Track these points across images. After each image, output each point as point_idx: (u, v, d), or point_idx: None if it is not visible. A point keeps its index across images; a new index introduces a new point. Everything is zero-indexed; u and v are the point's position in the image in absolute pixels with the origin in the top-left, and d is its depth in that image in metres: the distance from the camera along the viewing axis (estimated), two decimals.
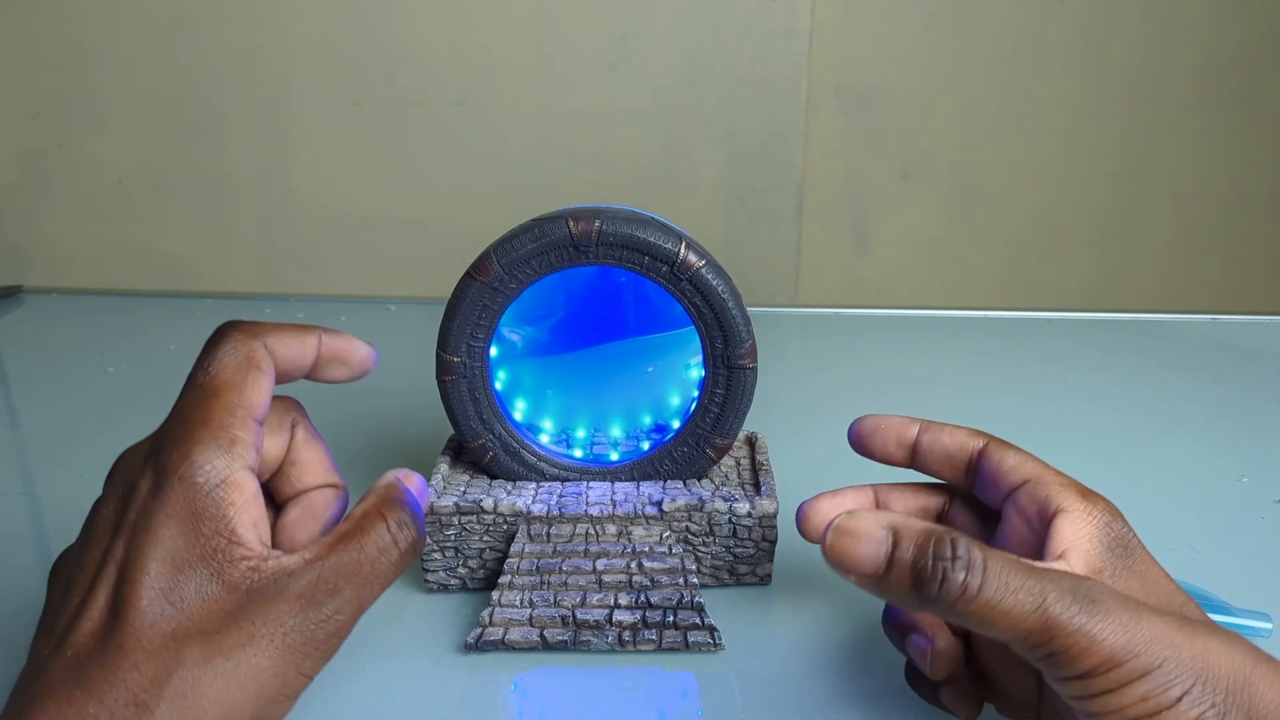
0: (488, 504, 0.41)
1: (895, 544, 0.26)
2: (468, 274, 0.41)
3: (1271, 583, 0.44)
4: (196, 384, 0.30)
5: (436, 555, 0.42)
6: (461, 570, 0.42)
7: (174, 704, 0.26)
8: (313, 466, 0.34)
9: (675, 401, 0.46)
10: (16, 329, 0.79)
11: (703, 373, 0.42)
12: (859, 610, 0.41)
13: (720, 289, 0.41)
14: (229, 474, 0.28)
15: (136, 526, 0.28)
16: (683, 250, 0.40)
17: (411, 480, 0.33)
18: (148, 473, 0.29)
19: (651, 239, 0.40)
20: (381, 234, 1.10)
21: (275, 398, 0.32)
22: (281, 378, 0.32)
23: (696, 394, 0.43)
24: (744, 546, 0.42)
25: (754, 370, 0.42)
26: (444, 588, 0.42)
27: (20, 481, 0.54)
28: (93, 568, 0.28)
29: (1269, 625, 0.40)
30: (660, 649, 0.38)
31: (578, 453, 0.45)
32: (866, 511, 0.27)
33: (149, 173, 1.06)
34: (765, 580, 0.42)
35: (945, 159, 1.16)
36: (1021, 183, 1.18)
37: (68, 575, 0.29)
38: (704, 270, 0.40)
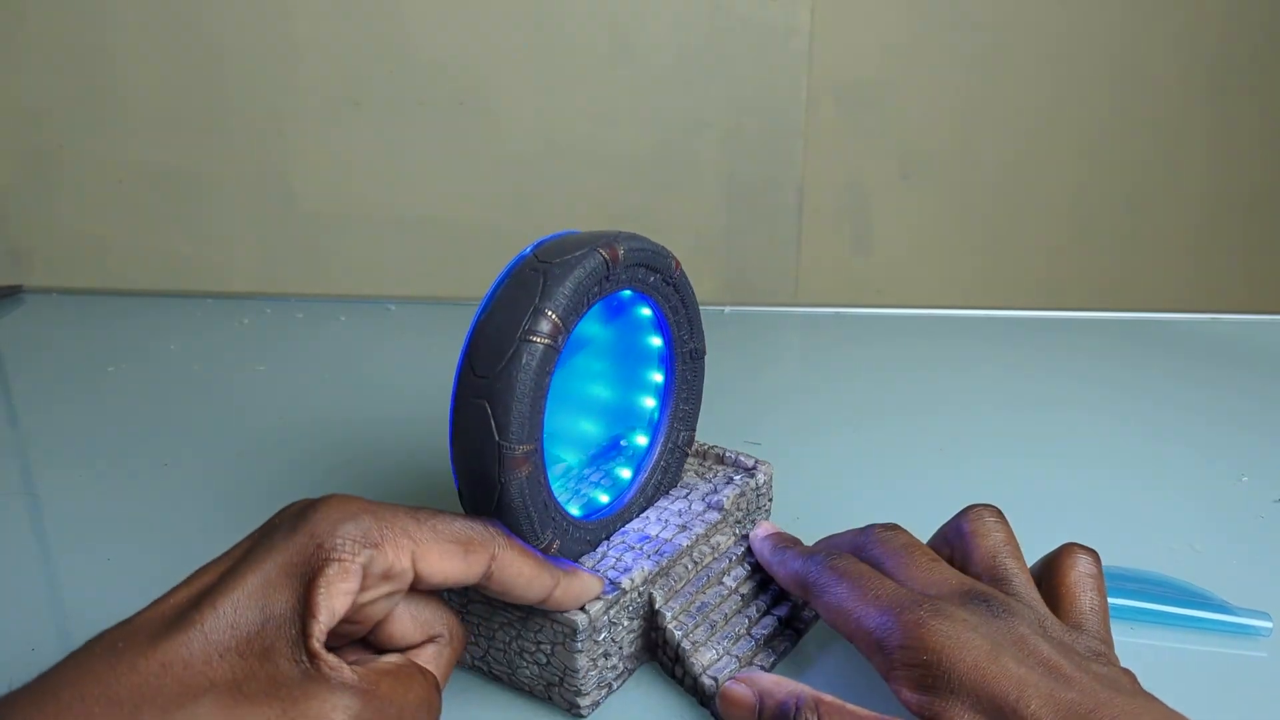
0: (625, 583, 0.36)
1: (761, 706, 0.34)
2: (525, 339, 0.33)
3: (1271, 583, 0.44)
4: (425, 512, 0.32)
5: (593, 673, 0.35)
6: (609, 673, 0.37)
7: None
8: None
9: (648, 404, 0.43)
10: (16, 329, 0.79)
11: (664, 377, 0.41)
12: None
13: (689, 284, 0.40)
14: (349, 560, 0.29)
15: (253, 552, 0.29)
16: (671, 257, 0.39)
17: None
18: (296, 516, 0.30)
19: (656, 250, 0.38)
20: (381, 234, 1.10)
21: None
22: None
23: (660, 398, 0.42)
24: (756, 515, 0.43)
25: (704, 355, 0.42)
26: (595, 705, 0.36)
27: (20, 481, 0.54)
28: (203, 577, 0.29)
29: (1269, 625, 0.40)
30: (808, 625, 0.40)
31: (604, 498, 0.41)
32: (744, 678, 0.35)
33: (149, 173, 1.06)
34: None
35: (946, 158, 1.16)
36: (1022, 182, 1.18)
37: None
38: (681, 270, 0.40)
